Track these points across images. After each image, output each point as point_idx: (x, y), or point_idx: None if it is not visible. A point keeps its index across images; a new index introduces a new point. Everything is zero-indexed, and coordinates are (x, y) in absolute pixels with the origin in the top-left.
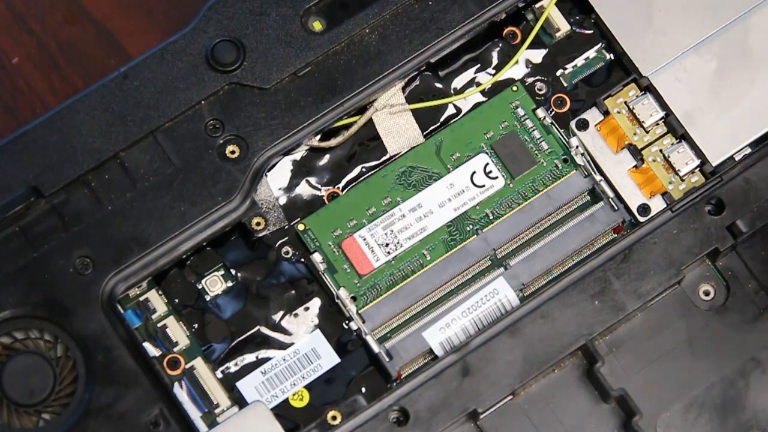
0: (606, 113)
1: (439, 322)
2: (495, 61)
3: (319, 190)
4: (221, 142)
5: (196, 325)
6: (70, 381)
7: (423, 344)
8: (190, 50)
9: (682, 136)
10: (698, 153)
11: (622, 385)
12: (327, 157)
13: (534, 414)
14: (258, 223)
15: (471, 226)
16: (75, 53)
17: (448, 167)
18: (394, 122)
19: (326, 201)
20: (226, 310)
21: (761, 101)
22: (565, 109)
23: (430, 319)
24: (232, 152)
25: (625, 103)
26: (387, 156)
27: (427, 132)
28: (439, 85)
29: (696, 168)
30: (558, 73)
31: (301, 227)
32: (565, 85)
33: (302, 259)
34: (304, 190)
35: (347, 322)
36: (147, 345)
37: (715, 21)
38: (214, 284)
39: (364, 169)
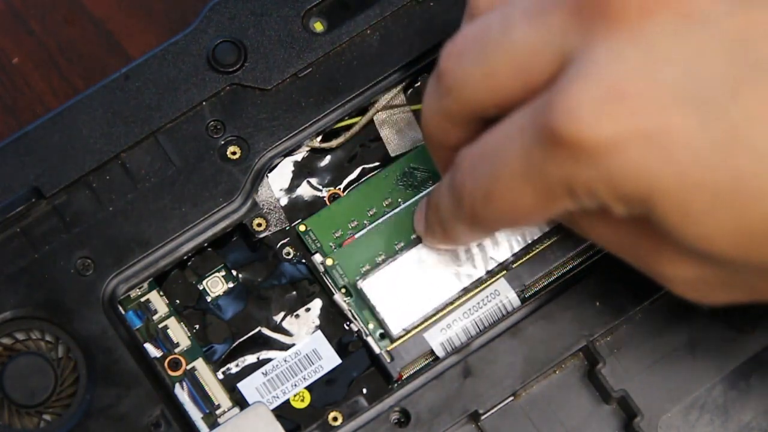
0: None
1: (441, 323)
2: None
3: (320, 191)
4: (222, 143)
5: (197, 326)
6: (71, 382)
7: (424, 345)
8: (192, 51)
9: None
10: None
11: (624, 386)
12: (328, 158)
13: (535, 415)
14: (259, 224)
15: None
16: (75, 53)
17: None
18: (396, 123)
19: (327, 202)
20: (227, 311)
21: None
22: None
23: (432, 320)
24: (233, 153)
25: None
26: (388, 157)
27: None
28: None
29: None
30: None
31: (302, 228)
32: None
33: (303, 260)
34: (305, 191)
35: (348, 323)
36: (148, 346)
37: None
38: (215, 285)
39: (365, 170)
